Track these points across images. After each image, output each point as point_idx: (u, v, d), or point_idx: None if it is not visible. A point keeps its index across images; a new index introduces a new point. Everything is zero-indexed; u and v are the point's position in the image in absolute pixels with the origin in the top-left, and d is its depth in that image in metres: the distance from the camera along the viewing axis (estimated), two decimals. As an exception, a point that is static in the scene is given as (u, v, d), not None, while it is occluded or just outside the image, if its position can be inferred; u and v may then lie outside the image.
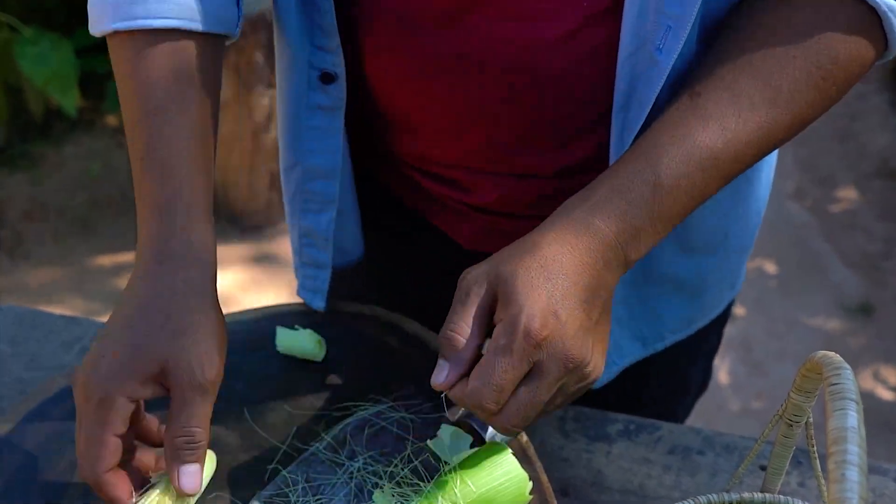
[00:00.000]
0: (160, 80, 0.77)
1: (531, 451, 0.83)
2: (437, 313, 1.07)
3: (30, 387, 0.98)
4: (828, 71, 0.76)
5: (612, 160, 0.84)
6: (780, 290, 2.82)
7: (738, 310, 2.74)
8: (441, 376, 0.70)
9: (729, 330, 2.61)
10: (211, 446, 0.84)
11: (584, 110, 0.86)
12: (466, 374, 0.70)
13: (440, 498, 0.71)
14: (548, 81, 0.84)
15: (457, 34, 0.83)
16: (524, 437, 0.84)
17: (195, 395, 0.71)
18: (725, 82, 0.75)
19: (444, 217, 1.02)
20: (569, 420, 0.94)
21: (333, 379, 0.91)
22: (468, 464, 0.75)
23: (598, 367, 0.72)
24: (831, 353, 0.59)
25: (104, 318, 1.04)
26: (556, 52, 0.82)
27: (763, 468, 0.89)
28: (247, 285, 2.81)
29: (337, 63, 0.88)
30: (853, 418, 0.50)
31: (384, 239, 1.10)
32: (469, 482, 0.72)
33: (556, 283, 0.69)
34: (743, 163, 0.76)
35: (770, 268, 2.90)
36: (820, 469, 0.77)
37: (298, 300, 1.02)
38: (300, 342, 0.92)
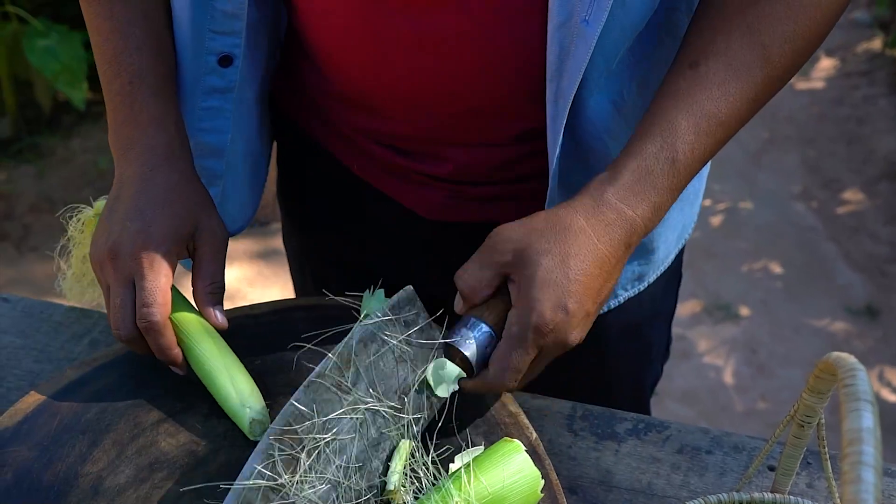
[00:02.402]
0: (134, 23, 0.90)
1: (541, 448, 0.83)
2: (385, 278, 1.10)
3: (39, 379, 0.98)
4: (813, 17, 0.80)
5: (548, 129, 0.87)
6: (785, 292, 2.82)
7: (743, 311, 2.74)
8: (458, 306, 0.83)
9: (733, 331, 2.64)
10: (223, 437, 0.84)
11: (532, 79, 0.88)
12: (475, 305, 0.82)
13: (454, 495, 0.71)
14: (498, 51, 0.86)
15: (410, 16, 0.86)
16: (533, 435, 0.84)
17: (221, 250, 0.89)
18: (720, 48, 0.80)
19: (401, 188, 1.03)
20: (577, 419, 0.94)
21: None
22: (482, 461, 0.75)
23: (584, 335, 0.82)
24: (845, 355, 0.59)
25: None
26: (504, 21, 0.84)
27: (772, 469, 0.89)
28: (253, 280, 2.81)
29: (236, 45, 0.93)
30: (868, 419, 0.50)
31: (344, 216, 1.12)
32: (483, 479, 0.73)
33: (573, 278, 0.78)
34: (743, 121, 0.83)
35: (776, 270, 2.90)
36: (831, 470, 0.77)
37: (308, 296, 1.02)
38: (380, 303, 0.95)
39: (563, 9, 0.79)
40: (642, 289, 1.07)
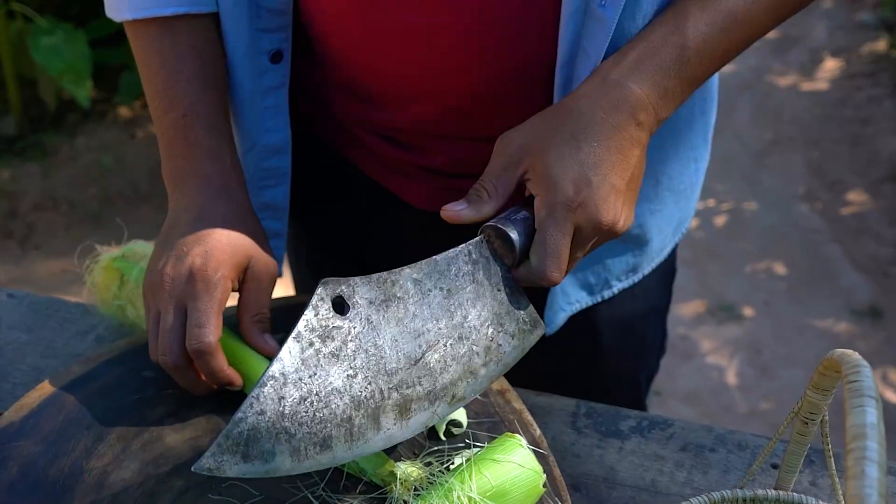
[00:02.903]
0: (184, 56, 0.90)
1: (544, 445, 0.83)
2: (376, 267, 1.11)
3: (45, 374, 0.99)
4: None
5: None
6: (789, 293, 2.82)
7: (747, 312, 2.74)
8: (454, 206, 0.80)
9: (737, 332, 2.64)
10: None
11: (531, 73, 0.89)
12: (478, 222, 0.79)
13: (456, 489, 0.72)
14: (495, 46, 0.87)
15: (405, 10, 0.87)
16: (537, 432, 0.84)
17: (271, 283, 0.88)
18: None
19: (391, 177, 1.05)
20: (581, 416, 0.95)
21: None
22: (484, 456, 0.75)
23: (628, 221, 0.81)
24: (849, 351, 0.59)
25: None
26: (505, 14, 0.85)
27: (775, 466, 0.89)
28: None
29: (284, 39, 0.94)
30: (872, 415, 0.50)
31: (336, 203, 1.13)
32: (485, 474, 0.73)
33: (587, 151, 0.77)
34: (759, 26, 0.83)
35: (779, 271, 2.90)
36: (834, 468, 0.77)
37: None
38: None
39: None
40: (636, 280, 1.08)
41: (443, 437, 0.84)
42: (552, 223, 0.76)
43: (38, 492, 0.80)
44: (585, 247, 0.79)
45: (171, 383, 0.88)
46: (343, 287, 0.73)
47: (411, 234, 1.05)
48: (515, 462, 0.74)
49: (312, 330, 0.72)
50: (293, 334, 0.71)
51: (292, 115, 1.05)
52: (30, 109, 3.32)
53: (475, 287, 0.78)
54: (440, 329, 0.76)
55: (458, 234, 0.91)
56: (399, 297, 0.75)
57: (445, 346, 0.76)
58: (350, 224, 1.14)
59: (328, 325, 0.72)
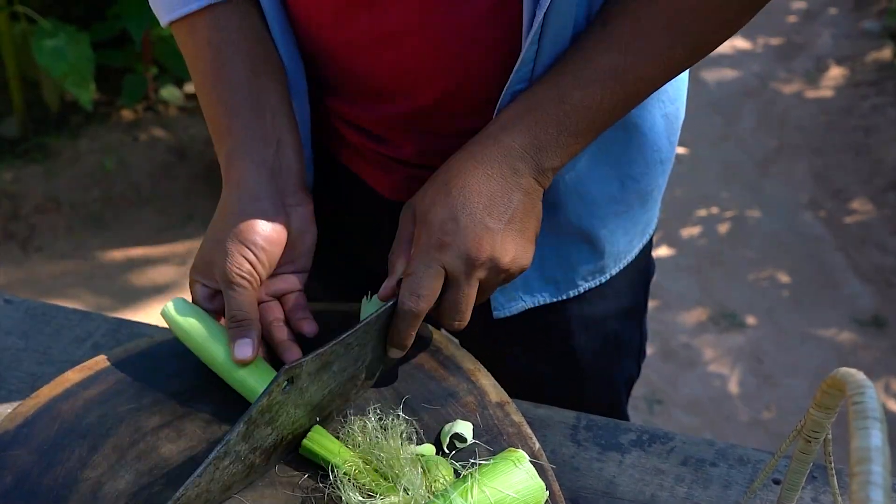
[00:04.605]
0: (240, 43, 0.91)
1: (543, 458, 0.83)
2: (360, 258, 1.11)
3: (41, 381, 0.98)
4: None
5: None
6: (792, 301, 2.81)
7: (749, 320, 2.73)
8: (384, 286, 0.86)
9: (739, 340, 2.64)
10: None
11: (497, 75, 0.90)
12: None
13: (455, 505, 0.71)
14: (464, 48, 0.89)
15: (385, 12, 0.88)
16: (536, 445, 0.83)
17: (226, 288, 0.86)
18: (629, 10, 0.84)
19: (364, 167, 1.06)
20: (581, 429, 0.94)
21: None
22: (486, 471, 0.74)
23: (520, 259, 0.85)
24: (854, 371, 0.58)
25: (114, 314, 1.05)
26: (473, 16, 0.87)
27: (776, 482, 0.88)
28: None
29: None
30: (878, 438, 0.49)
31: (317, 192, 1.13)
32: (486, 489, 0.72)
33: (456, 195, 0.83)
34: (649, 82, 0.86)
35: (783, 279, 2.89)
36: (837, 486, 0.76)
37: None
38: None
39: (532, 3, 0.82)
40: (603, 281, 1.09)
41: (446, 451, 0.83)
42: (417, 257, 0.83)
43: (32, 501, 0.79)
44: (470, 283, 0.83)
45: (167, 393, 0.88)
46: (296, 369, 0.79)
47: (381, 223, 1.05)
48: (517, 477, 0.73)
49: (263, 413, 0.78)
50: (245, 418, 0.77)
51: None
52: (32, 111, 3.31)
53: (379, 335, 0.86)
54: (339, 380, 0.84)
55: None
56: (329, 363, 0.82)
57: (335, 389, 0.85)
58: (328, 212, 1.14)
59: (273, 404, 0.79)
